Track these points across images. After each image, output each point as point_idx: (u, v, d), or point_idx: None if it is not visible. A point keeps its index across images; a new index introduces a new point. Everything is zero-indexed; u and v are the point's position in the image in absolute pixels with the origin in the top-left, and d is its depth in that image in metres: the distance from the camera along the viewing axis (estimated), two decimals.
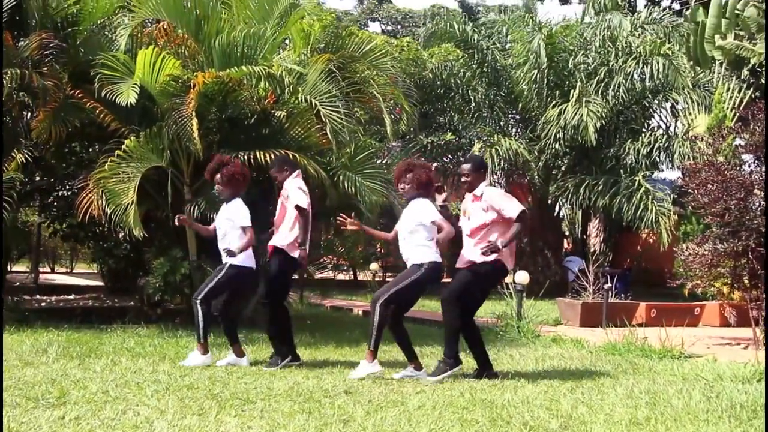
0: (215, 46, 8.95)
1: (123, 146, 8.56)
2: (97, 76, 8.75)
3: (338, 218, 7.06)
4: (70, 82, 9.24)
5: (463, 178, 6.76)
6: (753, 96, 16.41)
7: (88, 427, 4.41)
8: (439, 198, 6.81)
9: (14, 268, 17.64)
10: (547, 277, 16.90)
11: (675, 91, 16.98)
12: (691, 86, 16.49)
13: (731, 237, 8.71)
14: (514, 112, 19.54)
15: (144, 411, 4.87)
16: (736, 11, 10.75)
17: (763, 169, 8.84)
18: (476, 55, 18.71)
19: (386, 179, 9.59)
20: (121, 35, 9.18)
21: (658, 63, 16.18)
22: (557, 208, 20.05)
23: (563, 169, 18.49)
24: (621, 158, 17.06)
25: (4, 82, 8.79)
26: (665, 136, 17.00)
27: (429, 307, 13.89)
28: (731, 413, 5.10)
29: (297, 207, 6.97)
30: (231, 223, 7.10)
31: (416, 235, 6.50)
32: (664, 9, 21.20)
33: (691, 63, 15.23)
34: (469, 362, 7.12)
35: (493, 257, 6.46)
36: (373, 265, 16.75)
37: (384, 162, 13.89)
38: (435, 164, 19.75)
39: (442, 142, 18.63)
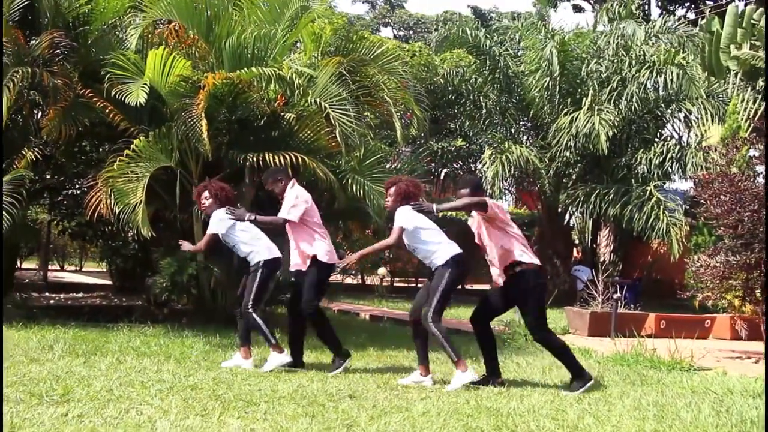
0: (226, 47, 8.94)
1: (132, 146, 8.56)
2: (107, 76, 8.75)
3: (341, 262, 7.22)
4: (80, 81, 9.27)
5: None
6: None
7: (91, 425, 4.39)
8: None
9: (24, 266, 17.76)
10: (555, 286, 16.80)
11: (689, 101, 16.85)
12: (705, 96, 16.34)
13: (744, 249, 8.62)
14: (525, 119, 19.46)
15: (147, 410, 4.85)
16: (752, 21, 10.68)
17: None
18: (488, 62, 18.64)
19: None
20: (132, 35, 9.19)
21: (671, 72, 16.07)
22: (567, 217, 19.95)
23: (574, 177, 18.40)
24: (633, 167, 16.96)
25: (15, 80, 8.81)
26: (678, 146, 16.87)
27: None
28: (741, 428, 5.02)
29: (284, 219, 6.96)
30: (228, 230, 7.08)
31: (418, 243, 6.50)
32: (678, 18, 21.15)
33: (706, 73, 15.19)
34: (475, 369, 7.09)
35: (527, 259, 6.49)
36: (381, 270, 16.71)
37: (393, 167, 13.86)
38: (445, 170, 19.77)
39: (453, 148, 18.61)
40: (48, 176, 11.03)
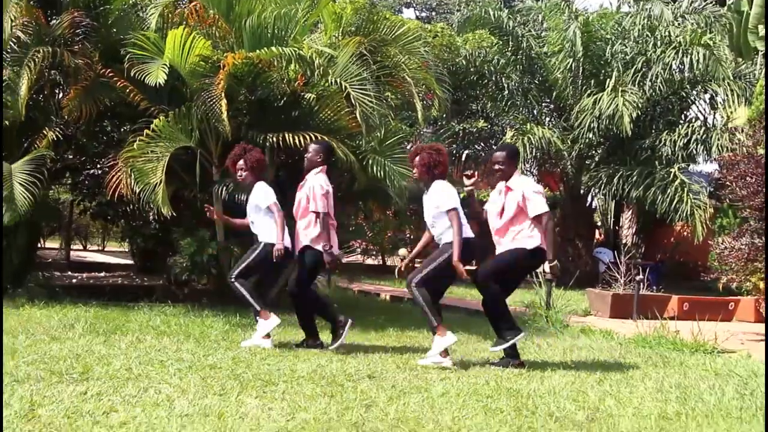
0: (246, 27, 8.87)
1: (152, 126, 8.54)
2: (127, 56, 8.72)
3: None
4: (100, 61, 9.26)
5: (497, 166, 6.56)
6: None
7: (110, 403, 4.39)
8: (467, 182, 6.70)
9: (47, 245, 17.89)
10: (577, 268, 16.70)
11: (715, 82, 16.58)
12: (731, 77, 16.09)
13: None
14: (547, 100, 19.28)
15: (166, 389, 4.85)
16: None
17: None
18: (511, 42, 18.46)
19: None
20: (152, 14, 9.16)
21: (698, 53, 15.82)
22: (590, 199, 19.79)
23: (597, 159, 18.23)
24: (656, 149, 16.77)
25: (36, 60, 8.82)
26: (703, 128, 16.65)
27: (456, 294, 13.81)
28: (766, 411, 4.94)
29: (315, 212, 6.92)
30: (257, 207, 7.08)
31: (443, 218, 6.41)
32: None
33: (733, 53, 14.92)
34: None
35: (533, 244, 6.34)
36: (402, 251, 16.67)
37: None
38: (467, 151, 19.64)
39: (474, 130, 18.47)
40: (69, 156, 11.07)
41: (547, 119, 19.56)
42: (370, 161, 9.27)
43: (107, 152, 10.00)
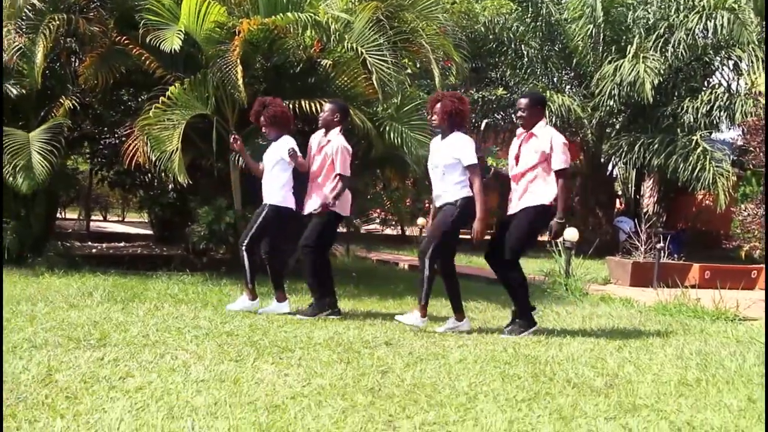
0: None
1: (167, 93, 8.48)
2: (142, 22, 8.65)
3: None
4: (116, 28, 9.21)
5: (519, 113, 6.40)
6: None
7: (126, 369, 4.39)
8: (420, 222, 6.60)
9: (67, 216, 18.00)
10: (597, 237, 16.59)
11: (739, 47, 16.30)
12: (756, 42, 15.80)
13: None
14: (567, 68, 19.07)
15: (182, 355, 4.84)
16: None
17: None
18: (530, 9, 18.25)
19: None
20: None
21: (722, 17, 15.55)
22: (610, 167, 19.62)
23: (617, 127, 18.06)
24: (678, 117, 16.57)
25: (52, 27, 8.78)
26: (726, 95, 16.43)
27: (477, 263, 13.76)
28: None
29: (339, 175, 6.86)
30: (278, 160, 7.03)
31: (454, 171, 6.27)
32: None
33: (759, 17, 14.68)
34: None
35: (546, 200, 6.22)
36: (421, 220, 16.59)
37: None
38: (486, 120, 19.49)
39: (494, 98, 18.29)
40: (87, 125, 11.07)
41: (567, 87, 19.35)
42: (387, 128, 9.18)
43: (124, 121, 9.98)
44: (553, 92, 17.12)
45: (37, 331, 5.39)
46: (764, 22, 15.61)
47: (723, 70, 18.45)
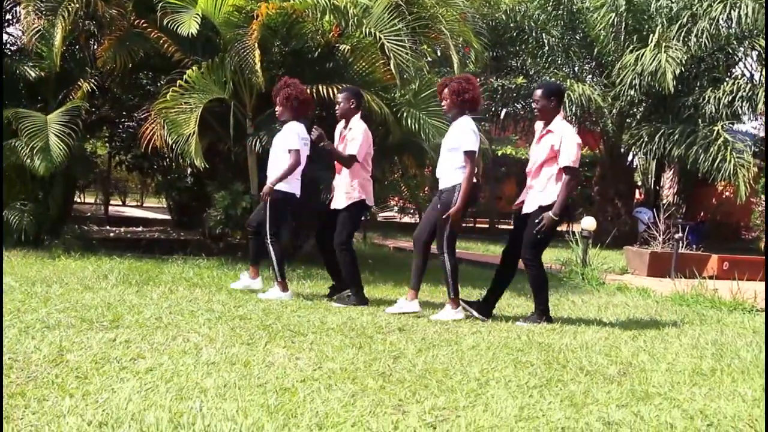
0: None
1: (185, 76, 8.48)
2: (160, 4, 8.63)
3: None
4: (134, 12, 9.20)
5: (534, 104, 6.35)
6: None
7: (137, 350, 4.39)
8: None
9: (86, 201, 18.11)
10: (616, 227, 16.49)
11: (763, 38, 16.07)
12: None
13: None
14: (588, 57, 18.89)
15: (194, 338, 4.84)
16: None
17: None
18: None
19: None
20: None
21: (746, 7, 15.31)
22: (630, 158, 19.46)
23: (638, 117, 17.89)
24: (700, 107, 16.37)
25: (70, 9, 8.79)
26: (749, 85, 16.21)
27: (494, 251, 13.73)
28: None
29: (350, 155, 6.81)
30: (280, 147, 7.01)
31: (457, 156, 6.23)
32: None
33: None
34: (528, 306, 6.99)
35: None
36: None
37: None
38: (505, 109, 19.39)
39: (513, 86, 18.16)
40: (106, 108, 11.11)
41: (588, 76, 19.19)
42: (405, 114, 9.12)
43: (142, 104, 9.99)
44: (574, 81, 16.98)
45: (50, 312, 5.40)
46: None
47: (746, 60, 18.22)
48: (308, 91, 8.40)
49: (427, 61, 10.71)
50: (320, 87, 8.63)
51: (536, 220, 6.14)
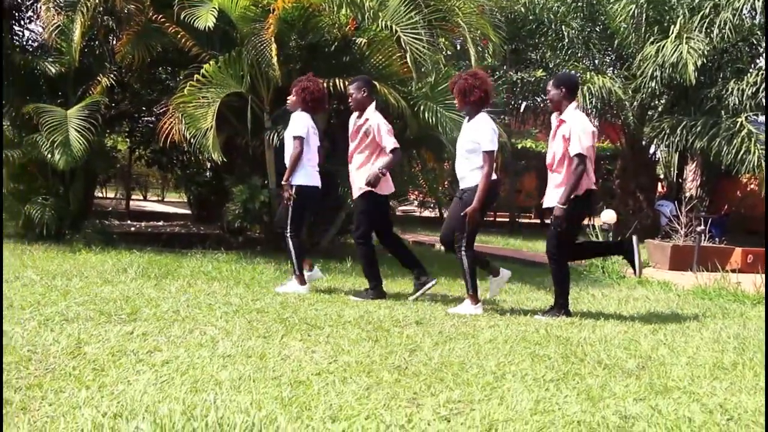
0: None
1: (202, 71, 8.49)
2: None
3: None
4: (152, 6, 9.22)
5: (547, 96, 6.31)
6: None
7: (154, 343, 4.40)
8: None
9: (108, 195, 18.22)
10: (638, 220, 16.34)
11: None
12: None
13: None
14: (609, 49, 18.72)
15: (211, 331, 4.84)
16: None
17: None
18: None
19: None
20: None
21: None
22: (652, 150, 19.28)
23: (660, 109, 17.70)
24: (723, 99, 16.14)
25: (89, 5, 8.83)
26: None
27: (513, 245, 13.68)
28: None
29: (393, 150, 6.75)
30: (288, 135, 7.00)
31: (476, 156, 6.19)
32: None
33: None
34: (547, 300, 6.95)
35: (581, 191, 6.05)
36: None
37: None
38: (525, 103, 19.28)
39: (533, 79, 18.04)
40: (126, 104, 11.16)
41: (609, 69, 19.02)
42: (422, 107, 9.08)
43: (161, 99, 10.03)
44: (594, 74, 16.82)
45: (69, 305, 5.43)
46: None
47: None
48: (324, 84, 8.40)
49: (444, 54, 10.64)
50: (337, 80, 8.61)
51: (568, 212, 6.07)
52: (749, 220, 18.46)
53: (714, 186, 20.71)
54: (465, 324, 5.62)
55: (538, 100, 19.65)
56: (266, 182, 9.42)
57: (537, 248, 13.45)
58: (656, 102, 17.73)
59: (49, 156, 8.93)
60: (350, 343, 4.70)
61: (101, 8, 9.24)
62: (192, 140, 8.65)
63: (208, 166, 11.24)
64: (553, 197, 6.16)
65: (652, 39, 16.33)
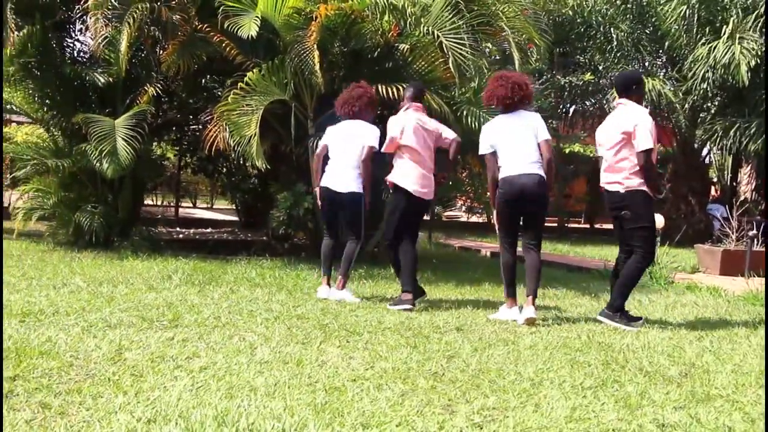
0: None
1: (245, 79, 8.57)
2: (220, 8, 8.73)
3: None
4: (197, 16, 9.34)
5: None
6: None
7: (193, 349, 4.44)
8: None
9: (160, 203, 18.50)
10: (690, 225, 16.05)
11: None
12: None
13: None
14: (659, 51, 18.43)
15: (250, 337, 4.87)
16: None
17: None
18: None
19: None
20: None
21: None
22: (704, 153, 18.91)
23: (712, 111, 17.36)
24: None
25: (135, 16, 8.98)
26: None
27: (560, 250, 13.53)
28: None
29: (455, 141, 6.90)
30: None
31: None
32: None
33: None
34: (592, 305, 6.85)
35: (639, 183, 5.94)
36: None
37: None
38: (573, 107, 19.07)
39: (581, 83, 17.85)
40: (175, 114, 11.33)
41: (660, 71, 18.72)
42: (465, 112, 9.04)
43: (207, 108, 10.14)
44: (644, 76, 16.56)
45: (113, 312, 5.51)
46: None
47: None
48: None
49: (489, 58, 10.58)
50: (380, 87, 8.60)
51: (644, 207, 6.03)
52: None
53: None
54: (506, 330, 5.57)
55: (588, 103, 19.44)
56: (310, 189, 9.44)
57: (584, 253, 13.29)
58: (708, 104, 17.40)
59: (98, 165, 9.11)
60: (388, 349, 4.69)
61: (148, 19, 9.38)
62: (236, 148, 8.72)
63: (254, 173, 11.32)
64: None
65: (703, 40, 16.04)
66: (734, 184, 21.05)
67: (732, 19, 15.60)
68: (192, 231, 14.04)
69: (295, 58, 8.63)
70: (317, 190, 7.10)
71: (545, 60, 13.28)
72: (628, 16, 17.90)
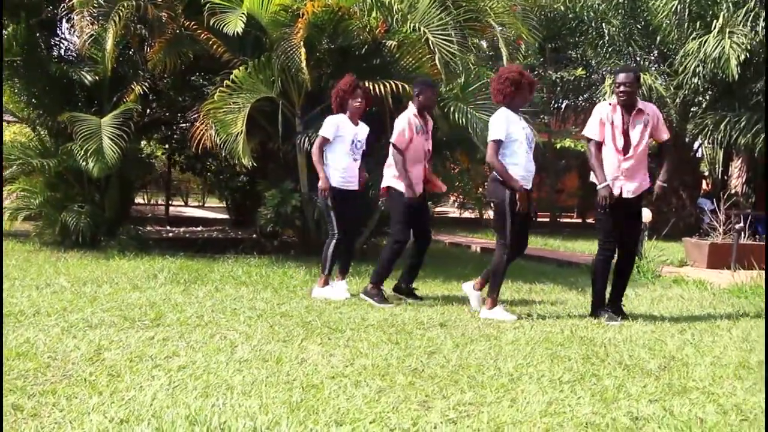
0: None
1: (231, 76, 8.54)
2: (206, 5, 8.69)
3: None
4: (183, 14, 9.30)
5: (623, 88, 6.03)
6: None
7: (174, 348, 4.43)
8: None
9: (144, 201, 18.43)
10: (681, 218, 16.06)
11: None
12: None
13: None
14: (651, 46, 18.42)
15: (231, 335, 4.86)
16: None
17: None
18: None
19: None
20: None
21: None
22: (695, 147, 18.93)
23: (703, 105, 17.37)
24: None
25: (121, 13, 8.94)
26: None
27: (551, 245, 13.53)
28: None
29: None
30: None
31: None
32: None
33: None
34: (579, 301, 6.85)
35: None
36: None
37: None
38: (565, 102, 19.06)
39: (573, 78, 17.84)
40: (164, 111, 11.29)
41: (652, 67, 18.71)
42: (452, 108, 9.00)
43: (195, 106, 10.11)
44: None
45: (95, 312, 5.49)
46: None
47: None
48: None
49: (478, 54, 10.55)
50: (367, 83, 8.56)
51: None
52: None
53: (761, 182, 20.25)
54: (489, 326, 5.57)
55: (580, 99, 19.44)
56: (298, 186, 9.43)
57: (575, 248, 13.29)
58: (699, 98, 17.41)
59: (84, 164, 9.07)
60: (369, 346, 4.68)
61: (134, 17, 9.35)
62: (223, 146, 8.70)
63: (242, 171, 11.29)
64: (639, 182, 6.14)
65: (694, 35, 16.05)
66: (725, 177, 21.06)
67: (722, 13, 15.60)
68: (182, 229, 14.01)
69: (282, 55, 8.60)
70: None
71: (536, 55, 13.24)
72: (619, 11, 17.90)
